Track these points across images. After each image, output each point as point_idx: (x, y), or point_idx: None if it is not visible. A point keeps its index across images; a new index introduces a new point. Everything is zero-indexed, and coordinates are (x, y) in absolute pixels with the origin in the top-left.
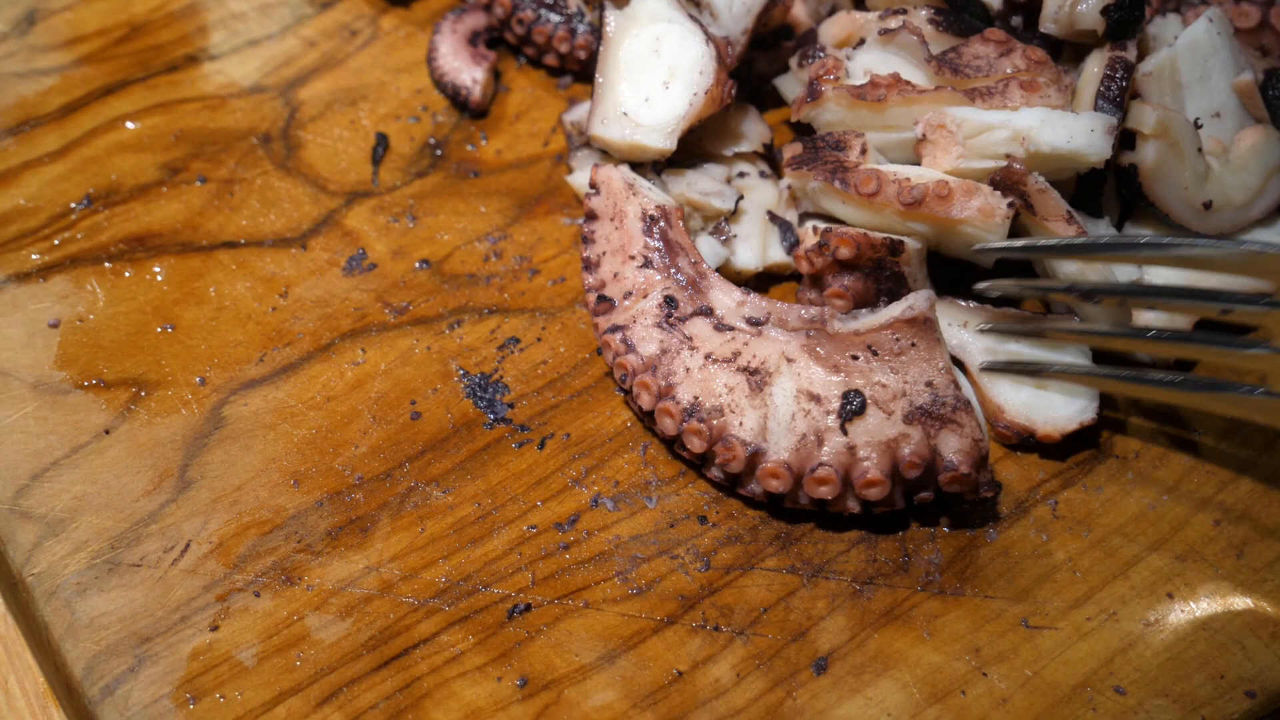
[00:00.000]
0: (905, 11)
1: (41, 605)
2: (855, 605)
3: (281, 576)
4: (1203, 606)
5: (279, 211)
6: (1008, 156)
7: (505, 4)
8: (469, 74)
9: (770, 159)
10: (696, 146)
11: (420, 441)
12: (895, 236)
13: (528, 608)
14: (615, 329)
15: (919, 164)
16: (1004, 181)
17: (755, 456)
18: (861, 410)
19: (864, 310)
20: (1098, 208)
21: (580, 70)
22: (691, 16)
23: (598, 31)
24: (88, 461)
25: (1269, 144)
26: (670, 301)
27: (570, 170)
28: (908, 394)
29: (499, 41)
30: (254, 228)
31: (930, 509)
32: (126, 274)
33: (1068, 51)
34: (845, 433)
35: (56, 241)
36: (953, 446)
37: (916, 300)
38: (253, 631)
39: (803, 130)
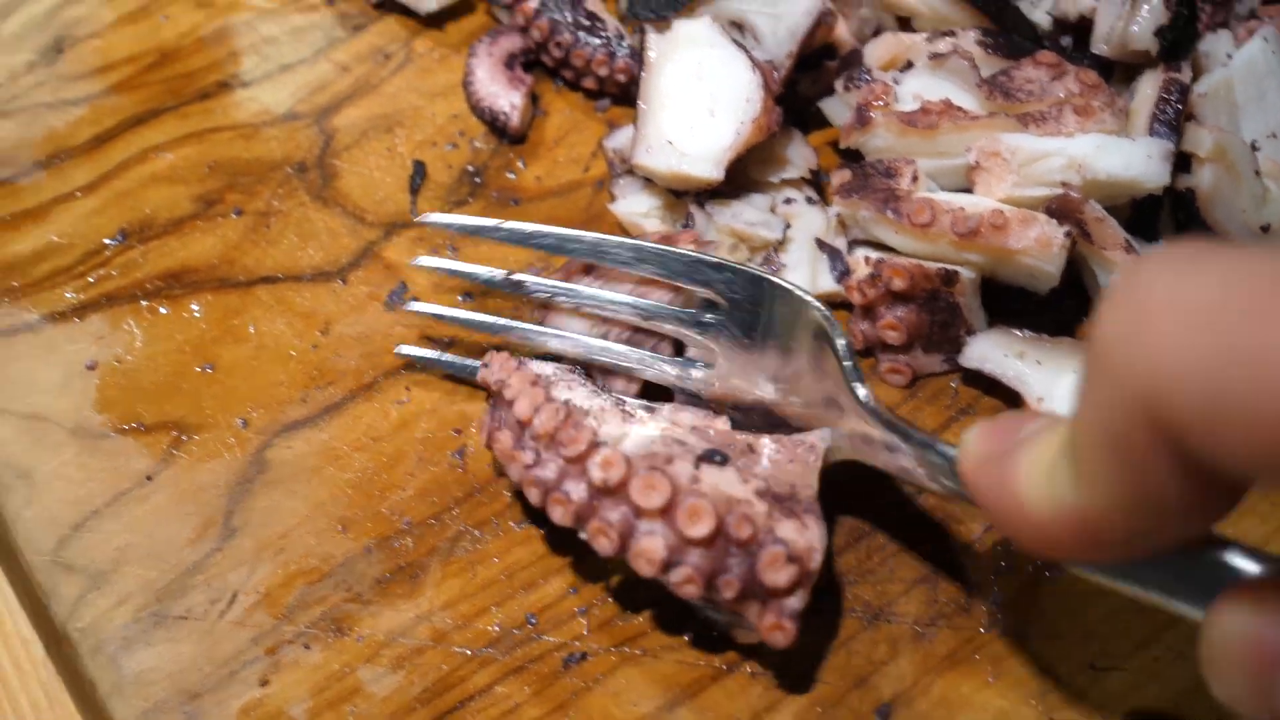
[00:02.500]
0: (954, 33)
1: (87, 661)
2: (917, 649)
3: (331, 627)
4: None
5: (317, 244)
6: (1064, 184)
7: (543, 27)
8: (506, 99)
9: (816, 184)
10: (741, 173)
11: (468, 483)
12: (949, 267)
13: (584, 656)
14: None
15: (971, 191)
16: (1060, 210)
17: (598, 447)
18: (723, 463)
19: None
20: (1154, 233)
21: (619, 93)
22: (735, 41)
23: (638, 55)
24: (129, 510)
25: None
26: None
27: (613, 198)
28: (769, 481)
29: (535, 64)
30: (291, 261)
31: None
32: (163, 311)
33: (1119, 71)
34: (697, 467)
35: (91, 279)
36: (789, 531)
37: (813, 435)
38: (304, 686)
39: (849, 155)
